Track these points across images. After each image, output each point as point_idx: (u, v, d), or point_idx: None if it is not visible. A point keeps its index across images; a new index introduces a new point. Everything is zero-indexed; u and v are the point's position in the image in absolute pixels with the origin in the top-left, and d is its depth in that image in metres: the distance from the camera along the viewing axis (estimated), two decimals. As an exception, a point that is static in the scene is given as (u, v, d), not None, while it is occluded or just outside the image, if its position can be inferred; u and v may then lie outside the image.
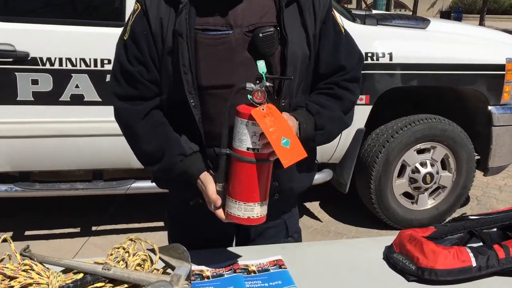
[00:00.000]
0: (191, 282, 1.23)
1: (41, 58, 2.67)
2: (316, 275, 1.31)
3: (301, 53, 1.33)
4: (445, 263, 1.28)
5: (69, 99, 2.72)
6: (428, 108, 3.41)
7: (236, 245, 1.55)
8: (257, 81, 1.19)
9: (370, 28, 3.17)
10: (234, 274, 1.29)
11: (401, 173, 3.33)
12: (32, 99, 2.70)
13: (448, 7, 31.00)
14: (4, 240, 1.17)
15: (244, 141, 1.17)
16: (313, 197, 3.92)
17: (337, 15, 1.45)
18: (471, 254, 1.31)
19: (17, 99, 2.69)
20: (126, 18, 1.38)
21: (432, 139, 3.27)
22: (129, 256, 1.24)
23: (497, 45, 3.39)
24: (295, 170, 1.44)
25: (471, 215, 1.53)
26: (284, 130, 1.17)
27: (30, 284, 1.11)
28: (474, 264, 1.29)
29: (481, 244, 1.41)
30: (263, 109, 1.16)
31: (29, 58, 2.66)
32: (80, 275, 1.16)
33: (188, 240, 1.34)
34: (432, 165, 3.34)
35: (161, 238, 2.93)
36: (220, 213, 1.27)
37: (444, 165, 3.40)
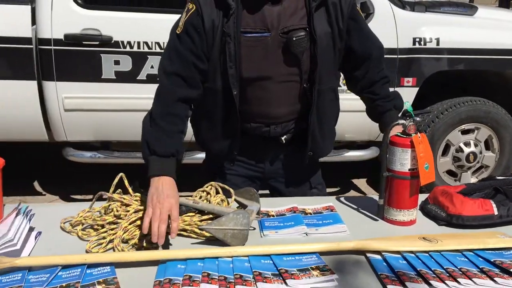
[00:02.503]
0: (261, 217, 1.55)
1: (122, 42, 3.05)
2: (362, 218, 1.60)
3: (327, 49, 1.60)
4: (471, 211, 1.50)
5: (145, 78, 3.09)
6: (473, 91, 3.56)
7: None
8: (407, 117, 1.52)
9: (418, 14, 3.36)
10: (294, 213, 1.59)
11: (445, 152, 3.52)
12: (114, 77, 3.09)
13: (508, -7, 29.76)
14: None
15: (406, 164, 1.50)
16: (361, 174, 4.17)
17: (360, 11, 1.70)
18: (493, 205, 1.53)
19: (102, 77, 3.09)
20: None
21: (476, 120, 3.44)
22: (211, 196, 1.57)
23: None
24: (323, 142, 1.75)
25: (498, 176, 1.76)
26: (428, 156, 1.50)
27: (140, 210, 1.45)
28: (496, 212, 1.51)
29: (505, 198, 1.64)
30: (419, 137, 1.48)
31: (112, 41, 3.05)
32: (176, 206, 1.50)
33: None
34: (475, 145, 3.51)
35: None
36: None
37: (488, 145, 3.55)
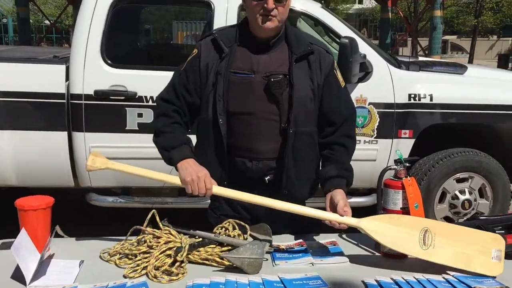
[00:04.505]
0: (273, 249, 1.79)
1: (145, 97, 3.38)
2: (361, 252, 1.83)
3: (304, 96, 1.86)
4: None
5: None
6: (466, 143, 3.83)
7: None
8: (398, 163, 1.79)
9: (413, 73, 3.69)
10: (302, 247, 1.83)
11: (442, 199, 3.75)
12: (137, 128, 3.41)
13: (507, 50, 30.52)
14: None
15: (398, 204, 1.75)
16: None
17: (339, 73, 1.95)
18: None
19: (126, 128, 3.40)
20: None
21: (470, 170, 3.69)
22: (229, 231, 1.81)
23: (528, 88, 3.82)
24: (298, 183, 1.91)
25: (481, 216, 2.00)
26: (417, 197, 1.75)
27: (170, 241, 1.70)
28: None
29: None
30: (409, 180, 1.75)
31: (136, 96, 3.39)
32: (200, 239, 1.74)
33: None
34: (470, 193, 3.74)
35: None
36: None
37: (482, 193, 3.78)
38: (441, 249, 1.62)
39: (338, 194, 1.80)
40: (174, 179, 1.79)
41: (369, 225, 1.67)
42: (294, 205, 1.74)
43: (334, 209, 1.76)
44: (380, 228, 1.66)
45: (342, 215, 1.71)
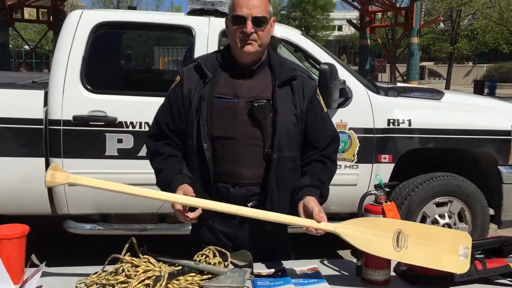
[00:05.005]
0: (254, 276, 1.77)
1: (125, 122, 3.37)
2: (343, 278, 1.83)
3: (288, 121, 1.87)
4: (435, 271, 1.74)
5: (145, 155, 3.36)
6: (445, 167, 3.89)
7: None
8: (378, 188, 1.79)
9: (392, 99, 3.76)
10: (283, 274, 1.81)
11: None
12: (117, 154, 3.37)
13: (482, 76, 31.36)
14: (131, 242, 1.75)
15: None
16: (346, 245, 4.34)
17: (321, 99, 1.98)
18: (455, 265, 1.79)
19: (105, 154, 3.37)
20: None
21: (449, 194, 3.74)
22: (209, 259, 1.79)
23: (503, 113, 3.92)
24: (282, 208, 1.84)
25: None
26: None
27: (148, 270, 1.66)
28: (457, 273, 1.76)
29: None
30: (389, 205, 1.77)
31: (116, 122, 3.36)
32: (179, 267, 1.71)
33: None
34: (449, 217, 3.77)
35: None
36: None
37: (461, 217, 3.82)
38: (413, 250, 1.66)
39: (311, 201, 1.79)
40: (149, 193, 1.74)
41: (345, 230, 1.69)
42: (271, 213, 1.74)
43: (309, 216, 1.75)
44: (356, 232, 1.69)
45: (318, 221, 1.70)
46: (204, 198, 1.87)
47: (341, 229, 1.69)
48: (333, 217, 3.72)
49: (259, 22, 1.81)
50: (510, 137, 3.73)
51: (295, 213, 1.81)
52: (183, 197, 1.74)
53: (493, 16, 25.58)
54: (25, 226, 1.72)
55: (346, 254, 4.29)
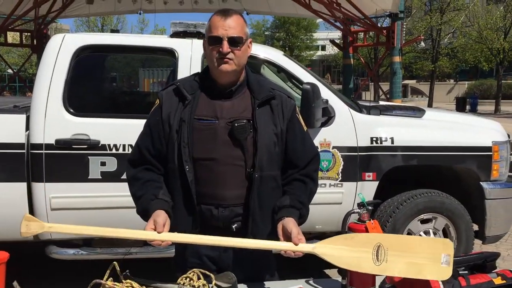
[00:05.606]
0: (238, 298, 1.75)
1: (109, 145, 3.35)
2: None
3: (268, 141, 1.89)
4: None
5: (129, 178, 3.35)
6: (428, 184, 3.92)
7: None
8: (361, 206, 1.82)
9: (374, 117, 3.80)
10: (267, 295, 1.80)
11: (407, 241, 3.78)
12: (100, 177, 3.35)
13: (464, 93, 31.88)
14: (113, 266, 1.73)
15: None
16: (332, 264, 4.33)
17: (300, 118, 2.00)
18: (440, 282, 1.80)
19: (88, 177, 3.34)
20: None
21: (433, 210, 3.76)
22: (193, 281, 1.77)
23: (483, 130, 3.98)
24: (264, 227, 1.89)
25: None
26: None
27: (131, 295, 1.65)
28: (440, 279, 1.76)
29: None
30: (372, 223, 1.79)
31: (99, 145, 3.35)
32: (163, 291, 1.70)
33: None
34: (435, 234, 3.79)
35: None
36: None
37: (446, 233, 3.84)
38: (393, 263, 1.66)
39: (290, 222, 1.79)
40: (127, 233, 1.75)
41: (323, 249, 1.69)
42: (250, 240, 1.74)
43: (287, 238, 1.75)
44: (335, 251, 1.69)
45: (296, 244, 1.70)
46: (187, 221, 1.87)
47: (319, 249, 1.70)
48: (319, 236, 3.72)
49: (235, 42, 1.84)
50: (491, 153, 3.78)
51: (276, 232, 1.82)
52: (161, 235, 1.72)
53: (472, 35, 26.12)
54: (5, 253, 1.69)
55: (333, 273, 4.27)
